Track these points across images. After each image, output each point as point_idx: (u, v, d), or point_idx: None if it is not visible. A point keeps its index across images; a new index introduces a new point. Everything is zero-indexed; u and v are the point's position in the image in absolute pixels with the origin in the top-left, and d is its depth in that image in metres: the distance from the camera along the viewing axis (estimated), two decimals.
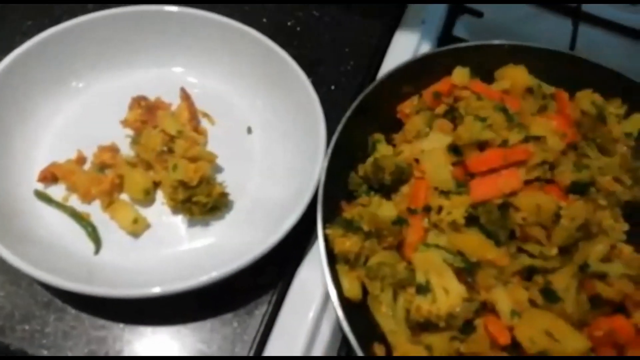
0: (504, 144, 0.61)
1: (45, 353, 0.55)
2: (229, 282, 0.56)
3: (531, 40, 0.71)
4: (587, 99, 0.68)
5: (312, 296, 0.60)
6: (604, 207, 0.57)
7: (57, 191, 0.63)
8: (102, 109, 0.68)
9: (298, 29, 0.82)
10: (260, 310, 0.60)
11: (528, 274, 0.57)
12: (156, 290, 0.53)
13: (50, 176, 0.62)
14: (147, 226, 0.61)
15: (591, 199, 0.58)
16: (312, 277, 0.61)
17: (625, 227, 0.57)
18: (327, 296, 0.60)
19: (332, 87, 0.77)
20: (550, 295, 0.53)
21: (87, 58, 0.69)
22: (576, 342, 0.51)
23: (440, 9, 0.90)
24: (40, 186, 0.63)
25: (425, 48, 0.83)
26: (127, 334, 0.57)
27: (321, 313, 0.60)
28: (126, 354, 0.56)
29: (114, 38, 0.69)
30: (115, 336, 0.57)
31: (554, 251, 0.56)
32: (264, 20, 0.82)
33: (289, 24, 0.82)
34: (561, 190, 0.61)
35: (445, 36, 0.88)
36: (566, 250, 0.57)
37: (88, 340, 0.56)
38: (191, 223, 0.63)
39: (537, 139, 0.62)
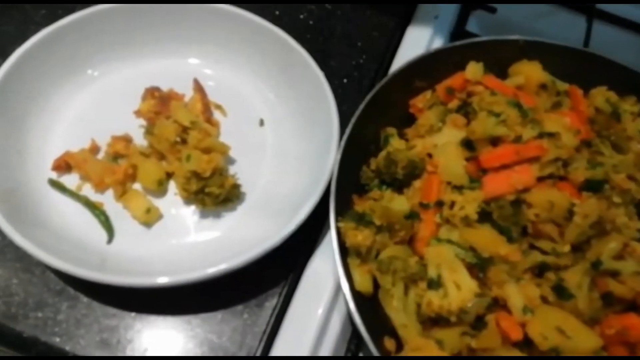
0: (518, 139, 0.61)
1: (57, 340, 0.55)
2: (240, 273, 0.56)
3: (545, 37, 0.71)
4: (602, 96, 0.68)
5: (322, 289, 0.60)
6: (618, 204, 0.57)
7: (71, 180, 0.63)
8: (117, 99, 0.68)
9: (310, 22, 0.82)
10: (271, 302, 0.60)
11: (540, 270, 0.57)
12: (167, 280, 0.53)
13: (64, 165, 0.62)
14: (160, 216, 0.62)
15: (605, 197, 0.58)
16: (323, 270, 0.61)
17: (639, 225, 0.57)
18: (337, 289, 0.61)
19: (345, 81, 0.77)
20: (562, 292, 0.53)
21: (103, 47, 0.69)
22: (588, 340, 0.50)
23: (454, 4, 0.89)
24: (54, 175, 0.63)
25: (438, 43, 0.83)
26: (138, 323, 0.57)
27: (332, 306, 0.60)
28: (137, 343, 0.57)
29: (130, 28, 0.69)
30: (127, 325, 0.57)
31: (567, 248, 0.56)
32: (277, 12, 0.81)
33: (301, 17, 0.82)
34: (574, 188, 0.60)
35: (458, 32, 0.87)
36: (579, 248, 0.57)
37: (100, 328, 0.57)
38: (203, 214, 0.63)
39: (551, 135, 0.62)
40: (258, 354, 0.57)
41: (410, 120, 0.69)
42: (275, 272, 0.61)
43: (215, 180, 0.59)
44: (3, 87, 0.60)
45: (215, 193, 0.59)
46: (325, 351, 0.58)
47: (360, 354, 0.62)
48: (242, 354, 0.57)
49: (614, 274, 0.55)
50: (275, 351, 0.57)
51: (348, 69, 0.78)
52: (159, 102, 0.65)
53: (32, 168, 0.62)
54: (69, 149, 0.64)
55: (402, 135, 0.68)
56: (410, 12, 0.86)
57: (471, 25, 0.89)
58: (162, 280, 0.53)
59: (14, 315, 0.56)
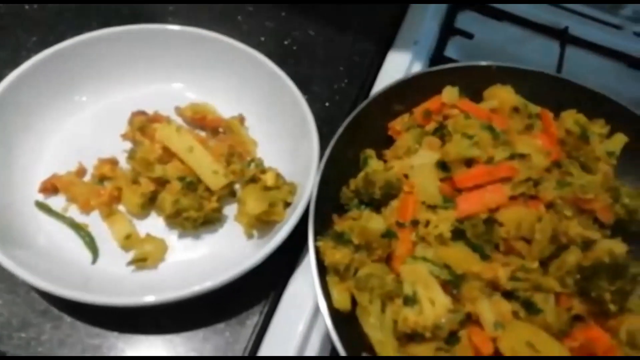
0: (490, 160, 0.63)
1: None
2: (221, 292, 0.58)
3: (520, 62, 0.74)
4: (571, 118, 0.71)
5: (302, 307, 0.62)
6: (570, 217, 0.59)
7: (58, 202, 0.65)
8: (104, 123, 0.70)
9: (294, 47, 0.85)
10: (252, 320, 0.61)
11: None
12: (150, 299, 0.54)
13: (50, 187, 0.64)
14: (139, 243, 0.62)
15: (557, 211, 0.60)
16: (303, 289, 0.63)
17: (596, 235, 0.58)
18: (317, 307, 0.62)
19: (327, 104, 0.79)
20: (531, 307, 0.55)
21: (91, 73, 0.71)
22: (557, 353, 0.52)
23: (433, 30, 0.93)
24: (41, 197, 0.65)
25: (417, 68, 0.86)
26: (121, 343, 0.58)
27: (311, 324, 0.61)
28: None
29: (117, 54, 0.71)
30: (110, 345, 0.58)
31: (535, 264, 0.58)
32: (262, 39, 0.85)
33: (285, 42, 0.85)
34: (544, 206, 0.63)
35: (436, 56, 0.90)
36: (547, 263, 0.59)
37: (83, 348, 0.57)
38: (185, 235, 0.65)
39: (522, 156, 0.64)
40: None
41: (389, 142, 0.72)
42: (257, 290, 0.63)
43: (192, 204, 0.61)
44: None
45: (193, 216, 0.61)
46: None
47: None
48: None
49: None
50: None
51: (330, 93, 0.81)
52: (144, 125, 0.67)
53: (20, 190, 0.63)
54: (57, 172, 0.65)
55: (380, 157, 0.70)
56: (391, 38, 0.90)
57: (450, 51, 0.92)
58: (145, 299, 0.54)
59: None
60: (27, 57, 0.74)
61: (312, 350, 0.60)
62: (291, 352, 0.59)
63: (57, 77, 0.69)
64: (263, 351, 0.60)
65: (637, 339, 0.55)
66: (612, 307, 0.55)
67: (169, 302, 0.55)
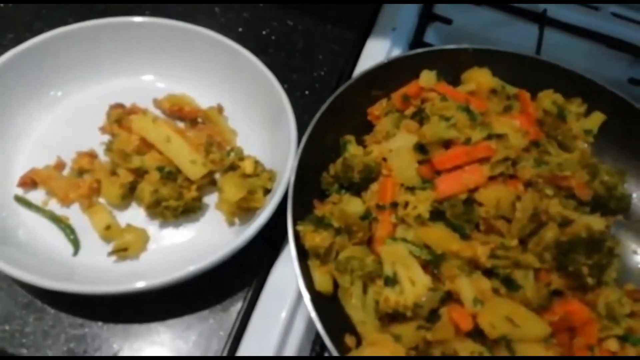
0: (468, 141, 0.64)
1: (25, 352, 0.56)
2: (205, 279, 0.58)
3: (499, 45, 0.74)
4: (549, 98, 0.71)
5: (286, 292, 0.62)
6: (551, 196, 0.60)
7: (37, 196, 0.65)
8: (81, 117, 0.70)
9: (273, 37, 0.85)
10: (236, 306, 0.61)
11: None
12: (133, 285, 0.54)
13: (29, 181, 0.64)
14: (120, 233, 0.62)
15: (538, 190, 0.61)
16: (287, 274, 0.63)
17: (574, 215, 0.59)
18: (300, 292, 0.62)
19: (306, 92, 0.80)
20: (511, 284, 0.56)
21: (64, 68, 0.71)
22: (536, 327, 0.53)
23: (411, 17, 0.93)
24: (20, 191, 0.65)
25: (396, 54, 0.86)
26: (105, 332, 0.58)
27: (295, 308, 0.61)
28: (104, 351, 0.58)
29: (91, 48, 0.71)
30: (94, 334, 0.58)
31: (514, 242, 0.58)
32: (240, 29, 0.85)
33: (264, 33, 0.85)
34: (523, 185, 0.63)
35: (416, 43, 0.91)
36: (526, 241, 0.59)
37: (67, 338, 0.58)
38: (167, 224, 0.65)
39: (500, 136, 0.65)
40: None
41: (370, 128, 0.72)
42: (241, 277, 0.63)
43: (172, 193, 0.61)
44: None
45: (173, 206, 0.61)
46: (289, 352, 0.60)
47: (325, 354, 0.63)
48: None
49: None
50: (240, 354, 0.59)
51: (309, 82, 0.81)
52: (122, 117, 0.67)
53: None
54: (35, 166, 0.65)
55: (361, 142, 0.70)
56: (370, 26, 0.90)
57: (429, 37, 0.93)
58: (128, 287, 0.54)
59: None
60: (2, 54, 0.74)
61: (296, 334, 0.61)
62: (276, 336, 0.59)
63: (31, 73, 0.68)
64: (247, 337, 0.60)
65: (615, 310, 0.56)
66: (590, 281, 0.56)
67: (152, 288, 0.55)
